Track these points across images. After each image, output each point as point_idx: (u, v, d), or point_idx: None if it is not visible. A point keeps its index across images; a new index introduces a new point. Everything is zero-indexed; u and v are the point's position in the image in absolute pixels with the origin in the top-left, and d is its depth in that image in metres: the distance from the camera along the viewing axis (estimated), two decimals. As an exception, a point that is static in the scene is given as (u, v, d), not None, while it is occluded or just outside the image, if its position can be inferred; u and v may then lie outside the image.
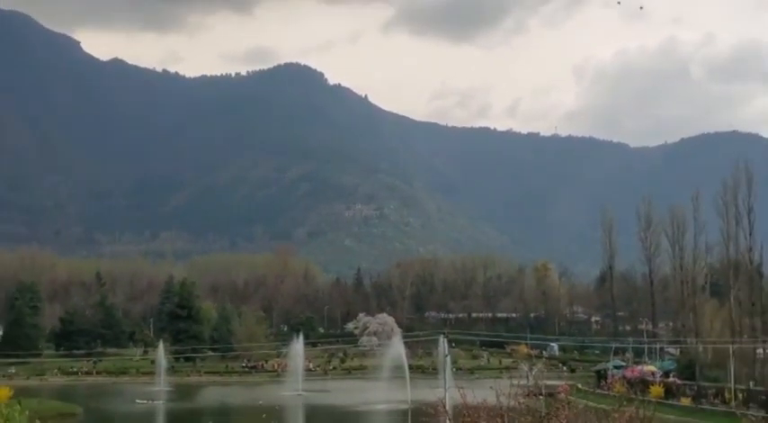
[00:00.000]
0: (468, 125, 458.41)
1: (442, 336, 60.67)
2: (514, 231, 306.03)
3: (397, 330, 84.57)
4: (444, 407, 10.88)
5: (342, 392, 62.27)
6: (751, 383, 51.54)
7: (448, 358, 52.41)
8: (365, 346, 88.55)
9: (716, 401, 49.11)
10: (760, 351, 59.85)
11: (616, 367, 64.41)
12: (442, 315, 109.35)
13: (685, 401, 50.10)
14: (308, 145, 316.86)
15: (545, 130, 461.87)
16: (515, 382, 10.76)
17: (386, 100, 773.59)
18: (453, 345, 76.05)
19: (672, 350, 72.69)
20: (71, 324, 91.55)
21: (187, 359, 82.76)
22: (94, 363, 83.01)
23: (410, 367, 61.98)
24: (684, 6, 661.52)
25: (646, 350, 71.15)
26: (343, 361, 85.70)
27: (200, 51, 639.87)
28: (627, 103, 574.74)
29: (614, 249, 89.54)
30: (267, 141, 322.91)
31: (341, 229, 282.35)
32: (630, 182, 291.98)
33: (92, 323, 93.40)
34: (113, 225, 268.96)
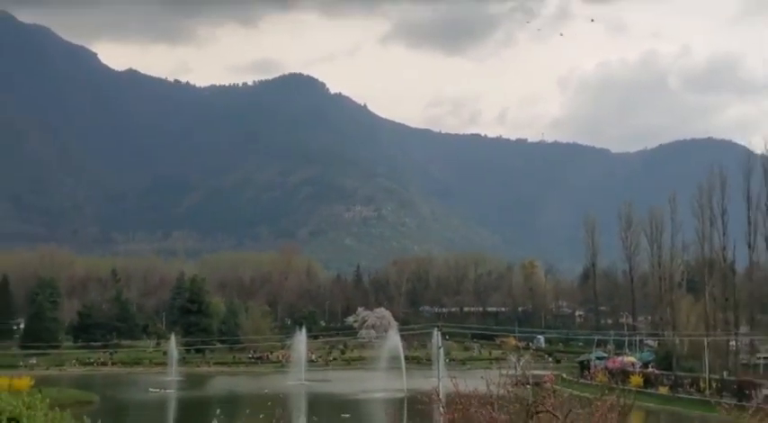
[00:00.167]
0: (461, 132, 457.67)
1: (435, 329, 60.62)
2: (504, 231, 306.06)
3: (394, 324, 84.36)
4: (438, 395, 10.86)
5: (342, 382, 62.15)
6: (724, 373, 51.63)
7: (441, 350, 52.40)
8: (364, 339, 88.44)
9: (691, 390, 49.18)
10: (733, 343, 59.97)
11: (598, 358, 64.40)
12: (436, 309, 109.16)
13: (663, 390, 50.16)
14: (311, 150, 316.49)
15: (532, 137, 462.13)
16: (504, 372, 10.75)
17: (384, 108, 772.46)
18: (446, 337, 76.00)
19: (650, 342, 72.80)
20: (88, 318, 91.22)
21: (197, 351, 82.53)
22: (110, 354, 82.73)
23: (406, 358, 61.90)
24: (663, 21, 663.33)
25: (626, 342, 71.22)
26: (343, 352, 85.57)
27: (209, 62, 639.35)
28: (609, 111, 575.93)
29: (597, 248, 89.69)
30: (272, 147, 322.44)
31: (341, 229, 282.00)
32: (612, 185, 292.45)
33: (108, 317, 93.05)
34: (128, 225, 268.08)
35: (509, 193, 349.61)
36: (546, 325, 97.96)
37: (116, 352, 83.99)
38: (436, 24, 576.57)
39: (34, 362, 75.67)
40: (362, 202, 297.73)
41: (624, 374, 52.50)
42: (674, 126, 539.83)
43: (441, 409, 10.07)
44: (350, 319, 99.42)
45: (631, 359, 61.47)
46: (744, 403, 34.63)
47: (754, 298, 64.77)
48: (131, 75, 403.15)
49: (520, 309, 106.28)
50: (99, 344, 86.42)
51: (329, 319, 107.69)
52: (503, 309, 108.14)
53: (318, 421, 11.99)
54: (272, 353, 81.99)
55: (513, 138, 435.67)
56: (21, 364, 73.17)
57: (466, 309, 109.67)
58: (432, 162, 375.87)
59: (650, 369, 57.42)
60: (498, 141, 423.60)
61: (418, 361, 69.26)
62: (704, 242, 62.15)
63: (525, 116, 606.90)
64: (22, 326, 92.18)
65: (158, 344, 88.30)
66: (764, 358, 60.58)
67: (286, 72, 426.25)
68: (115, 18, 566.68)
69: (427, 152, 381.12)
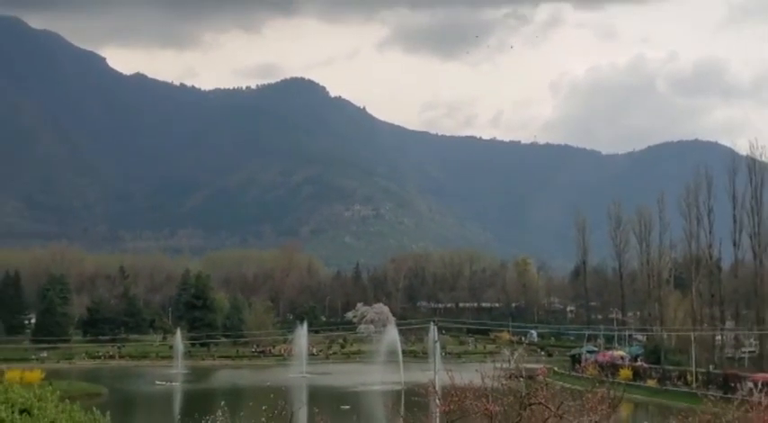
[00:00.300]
0: (456, 134, 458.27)
1: (432, 323, 60.69)
2: (498, 229, 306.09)
3: (392, 319, 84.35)
4: (434, 388, 10.86)
5: (342, 374, 62.14)
6: (710, 367, 51.74)
7: (437, 344, 52.46)
8: (363, 333, 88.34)
9: (679, 383, 49.28)
10: (719, 338, 60.11)
11: (589, 352, 64.50)
12: (432, 305, 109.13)
13: (651, 383, 50.24)
14: (312, 151, 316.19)
15: (525, 139, 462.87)
16: (498, 365, 10.74)
17: (382, 111, 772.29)
18: (443, 332, 76.04)
19: (639, 337, 72.85)
20: (97, 313, 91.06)
21: (202, 345, 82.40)
22: (118, 348, 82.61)
23: (403, 352, 62.00)
24: (651, 27, 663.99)
25: (616, 337, 71.27)
26: (342, 346, 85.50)
27: (214, 67, 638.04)
28: (599, 114, 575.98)
29: (587, 246, 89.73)
30: (274, 148, 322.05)
31: (341, 227, 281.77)
32: (602, 185, 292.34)
33: (116, 312, 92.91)
34: (135, 223, 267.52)
35: (503, 193, 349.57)
36: (538, 320, 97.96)
37: (124, 346, 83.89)
38: (432, 30, 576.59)
39: (45, 355, 75.58)
40: (361, 202, 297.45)
41: (614, 368, 52.58)
42: (661, 128, 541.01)
43: (437, 401, 10.07)
44: (349, 315, 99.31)
45: (621, 353, 61.54)
46: (729, 396, 34.74)
47: (740, 294, 64.92)
48: (139, 79, 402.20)
49: (513, 304, 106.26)
50: (107, 338, 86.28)
51: (329, 314, 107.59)
52: (497, 304, 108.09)
53: (319, 413, 11.96)
54: (274, 347, 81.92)
55: (506, 139, 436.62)
56: (32, 357, 73.06)
57: (461, 304, 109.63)
58: (428, 163, 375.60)
59: (639, 363, 57.51)
60: (492, 143, 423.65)
61: (415, 355, 69.30)
62: (691, 240, 62.32)
63: (518, 119, 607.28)
64: (33, 320, 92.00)
65: (164, 338, 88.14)
66: (749, 352, 60.75)
67: (288, 76, 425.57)
68: (124, 24, 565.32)
69: (424, 153, 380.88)
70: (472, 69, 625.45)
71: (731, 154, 66.36)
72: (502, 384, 9.86)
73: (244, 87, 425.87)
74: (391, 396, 40.39)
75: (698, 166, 63.26)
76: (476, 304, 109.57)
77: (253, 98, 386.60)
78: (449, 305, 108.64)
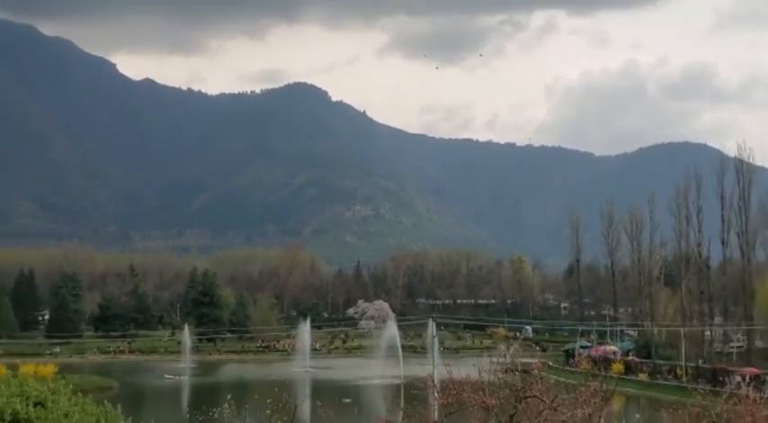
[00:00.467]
0: (454, 137, 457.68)
1: (430, 319, 60.61)
2: (494, 229, 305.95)
3: (392, 315, 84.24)
4: (433, 381, 10.86)
5: (343, 369, 62.11)
6: (699, 361, 51.72)
7: (436, 339, 52.41)
8: (364, 329, 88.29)
9: (669, 377, 49.27)
10: (707, 333, 60.08)
11: (582, 347, 64.46)
12: (431, 302, 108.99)
13: (642, 377, 50.23)
14: (314, 154, 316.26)
15: (520, 141, 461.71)
16: (494, 360, 10.75)
17: (382, 114, 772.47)
18: (441, 328, 75.79)
19: (631, 332, 72.83)
20: (108, 309, 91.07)
21: (209, 340, 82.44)
22: (128, 343, 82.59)
23: (403, 347, 61.98)
24: (642, 33, 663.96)
25: (608, 332, 71.22)
26: (344, 341, 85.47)
27: (220, 72, 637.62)
28: (592, 117, 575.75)
29: (580, 245, 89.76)
30: (278, 151, 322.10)
31: (342, 227, 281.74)
32: (594, 186, 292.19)
33: (126, 309, 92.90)
34: (145, 224, 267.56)
35: (499, 194, 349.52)
36: (533, 316, 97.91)
37: (134, 341, 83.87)
38: (430, 37, 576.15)
39: (58, 350, 75.62)
40: (362, 202, 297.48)
41: (606, 362, 52.54)
42: (652, 131, 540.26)
43: (435, 394, 10.07)
44: (351, 311, 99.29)
45: (613, 348, 61.51)
46: (718, 389, 34.72)
47: (728, 291, 64.90)
48: (148, 84, 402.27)
49: (509, 301, 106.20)
50: (118, 334, 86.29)
51: (331, 310, 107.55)
52: (493, 301, 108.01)
53: (322, 405, 11.95)
54: (278, 342, 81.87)
55: (502, 142, 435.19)
56: (46, 352, 73.08)
57: (459, 301, 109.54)
58: (427, 165, 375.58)
59: (630, 357, 57.48)
60: (489, 145, 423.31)
61: (414, 350, 69.26)
62: (681, 239, 62.31)
63: (514, 122, 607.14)
64: (46, 317, 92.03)
65: (173, 334, 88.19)
66: (737, 347, 60.71)
67: (291, 81, 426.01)
68: (133, 31, 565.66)
69: (422, 155, 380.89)
70: (469, 74, 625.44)
71: (720, 156, 66.38)
72: (498, 378, 9.86)
73: (249, 92, 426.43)
74: (391, 389, 40.35)
75: (687, 168, 63.29)
76: (473, 301, 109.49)
77: (257, 102, 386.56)
78: (447, 302, 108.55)
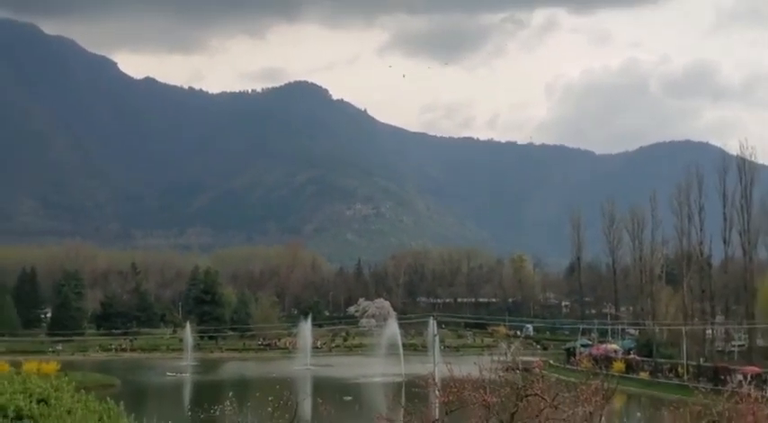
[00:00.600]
0: (455, 135, 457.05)
1: (431, 318, 60.67)
2: (495, 227, 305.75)
3: (393, 313, 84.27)
4: (434, 379, 10.87)
5: (344, 367, 62.19)
6: (701, 360, 51.71)
7: (436, 337, 52.42)
8: (365, 327, 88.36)
9: (670, 375, 49.26)
10: (709, 332, 60.01)
11: (583, 346, 64.45)
12: (432, 300, 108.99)
13: (644, 375, 50.23)
14: (315, 152, 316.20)
15: (521, 140, 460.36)
16: (495, 358, 10.75)
17: (382, 113, 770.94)
18: (442, 326, 75.87)
19: (632, 331, 72.76)
20: (110, 307, 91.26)
21: (211, 338, 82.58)
22: (130, 341, 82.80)
23: (404, 345, 61.99)
24: (643, 31, 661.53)
25: (609, 331, 71.15)
26: (345, 340, 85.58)
27: (220, 71, 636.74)
28: (592, 115, 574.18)
29: (582, 243, 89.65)
30: (279, 150, 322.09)
31: (343, 225, 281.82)
32: (595, 184, 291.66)
33: (128, 306, 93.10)
34: (146, 222, 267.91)
35: (499, 192, 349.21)
36: (534, 314, 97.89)
37: (136, 339, 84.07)
38: (431, 35, 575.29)
39: (60, 348, 75.80)
40: (363, 201, 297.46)
41: (607, 360, 52.53)
42: (653, 129, 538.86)
43: (436, 392, 10.07)
44: (351, 309, 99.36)
45: (614, 346, 61.47)
46: (719, 388, 34.68)
47: (729, 289, 64.82)
48: (149, 83, 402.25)
49: (510, 299, 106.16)
50: (120, 331, 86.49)
51: (332, 308, 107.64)
52: (494, 299, 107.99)
53: (323, 403, 11.97)
54: (279, 340, 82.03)
55: (503, 140, 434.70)
56: (48, 349, 73.27)
57: (459, 299, 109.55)
58: (427, 163, 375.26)
59: (632, 356, 57.46)
60: (489, 144, 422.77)
61: (415, 348, 69.22)
62: (682, 237, 62.21)
63: (515, 120, 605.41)
64: (49, 315, 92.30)
65: (175, 331, 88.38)
66: (739, 346, 60.65)
67: (291, 80, 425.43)
68: (134, 30, 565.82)
69: (423, 154, 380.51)
70: (470, 73, 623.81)
71: (721, 154, 66.22)
72: (499, 376, 9.87)
73: (249, 91, 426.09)
74: (392, 387, 40.39)
75: (689, 166, 63.14)
76: (473, 299, 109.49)
77: (258, 101, 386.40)
78: (447, 300, 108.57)
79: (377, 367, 53.66)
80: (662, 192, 68.39)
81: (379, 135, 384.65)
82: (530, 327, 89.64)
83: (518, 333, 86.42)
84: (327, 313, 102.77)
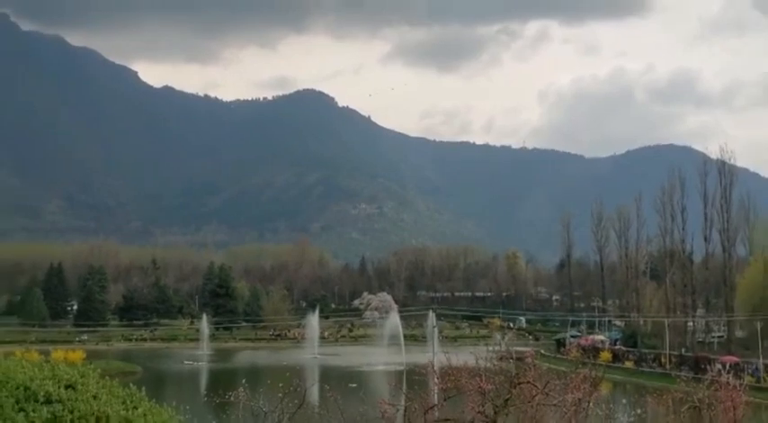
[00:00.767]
0: (452, 139, 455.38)
1: (430, 311, 60.73)
2: (490, 226, 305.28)
3: (394, 306, 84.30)
4: (433, 368, 10.89)
5: (350, 356, 62.15)
6: (682, 350, 51.58)
7: (435, 329, 52.40)
8: (368, 319, 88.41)
9: (654, 365, 49.14)
10: (690, 324, 59.84)
11: (572, 337, 64.31)
12: (431, 294, 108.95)
13: (629, 364, 50.10)
14: (322, 156, 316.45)
15: (515, 144, 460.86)
16: (490, 348, 10.76)
17: (385, 119, 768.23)
18: (440, 318, 75.86)
19: (618, 323, 72.56)
20: (132, 300, 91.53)
21: (225, 329, 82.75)
22: (151, 331, 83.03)
23: (404, 336, 62.00)
24: (629, 42, 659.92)
25: (597, 323, 71.01)
26: (350, 330, 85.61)
27: (234, 79, 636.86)
28: (582, 121, 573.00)
29: (571, 241, 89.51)
30: (289, 153, 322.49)
31: (348, 224, 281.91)
32: (585, 186, 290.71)
33: (148, 299, 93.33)
34: (165, 221, 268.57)
35: (494, 193, 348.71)
36: (526, 308, 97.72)
37: (155, 329, 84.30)
38: (430, 46, 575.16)
39: (85, 338, 76.06)
40: (366, 201, 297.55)
41: (595, 351, 52.39)
42: (639, 134, 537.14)
43: (435, 379, 10.09)
44: (356, 302, 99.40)
45: (601, 337, 61.31)
46: (700, 376, 34.50)
47: (710, 284, 64.62)
48: (167, 91, 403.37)
49: (504, 294, 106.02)
50: (141, 322, 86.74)
51: (338, 301, 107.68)
52: (489, 293, 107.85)
53: (329, 389, 12.01)
54: (289, 331, 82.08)
55: (498, 144, 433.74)
56: (75, 339, 73.54)
57: (457, 293, 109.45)
58: (427, 166, 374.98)
59: (618, 346, 57.30)
60: (485, 147, 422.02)
61: (415, 338, 69.18)
62: (666, 236, 62.07)
63: (509, 125, 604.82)
64: (75, 307, 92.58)
65: (192, 323, 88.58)
66: (718, 337, 60.45)
67: (300, 88, 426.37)
68: (153, 41, 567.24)
69: (423, 157, 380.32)
70: (467, 81, 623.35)
71: (703, 157, 65.88)
72: (494, 365, 9.89)
73: (261, 98, 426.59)
74: (394, 375, 40.41)
75: (672, 169, 63.01)
76: (470, 293, 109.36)
77: (269, 108, 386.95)
78: (445, 294, 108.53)
79: (380, 356, 53.68)
80: (647, 193, 68.20)
81: (381, 139, 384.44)
82: (522, 319, 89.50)
83: (511, 325, 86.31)
84: (333, 306, 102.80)
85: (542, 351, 57.17)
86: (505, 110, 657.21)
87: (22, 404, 4.61)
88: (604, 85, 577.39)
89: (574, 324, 72.05)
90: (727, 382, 9.79)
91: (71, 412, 4.61)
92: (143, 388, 5.79)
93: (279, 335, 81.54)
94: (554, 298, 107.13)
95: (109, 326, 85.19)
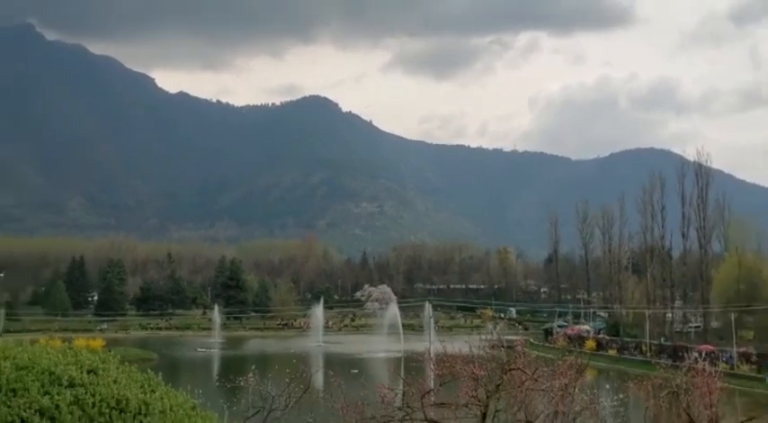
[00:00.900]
0: (449, 143, 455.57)
1: (427, 302, 60.74)
2: (483, 223, 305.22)
3: (394, 298, 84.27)
4: (429, 355, 10.90)
5: (352, 344, 62.20)
6: (662, 339, 51.66)
7: (432, 319, 52.51)
8: (369, 310, 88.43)
9: (635, 353, 49.22)
10: (669, 315, 59.92)
11: (560, 326, 64.37)
12: (428, 286, 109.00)
13: (612, 353, 50.18)
14: (326, 158, 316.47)
15: (507, 147, 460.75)
16: (483, 337, 10.77)
17: (386, 123, 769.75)
18: (436, 309, 75.91)
19: (602, 314, 72.61)
20: (148, 291, 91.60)
21: (236, 318, 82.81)
22: (166, 320, 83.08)
23: (403, 325, 62.09)
24: (614, 52, 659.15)
25: (582, 314, 71.05)
26: (352, 320, 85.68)
27: (245, 86, 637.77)
28: (569, 125, 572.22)
29: (558, 237, 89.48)
30: (296, 155, 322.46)
31: (351, 221, 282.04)
32: (571, 186, 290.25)
33: (164, 291, 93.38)
34: (180, 217, 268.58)
35: (488, 193, 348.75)
36: (517, 299, 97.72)
37: (171, 319, 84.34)
38: (428, 56, 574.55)
39: (105, 327, 76.14)
40: (368, 200, 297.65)
41: (580, 340, 52.47)
42: (622, 138, 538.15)
43: (432, 366, 10.10)
44: (358, 294, 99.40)
45: (586, 327, 61.36)
46: (678, 364, 34.55)
47: (687, 278, 64.64)
48: (183, 96, 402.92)
49: (496, 286, 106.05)
50: (157, 312, 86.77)
51: (341, 293, 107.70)
52: (482, 286, 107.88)
53: (333, 375, 12.06)
54: (295, 320, 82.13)
55: (491, 147, 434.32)
56: (96, 328, 73.61)
57: (452, 286, 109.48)
58: (425, 167, 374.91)
59: (601, 335, 57.36)
60: (479, 150, 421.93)
61: (413, 328, 69.13)
62: (646, 233, 62.12)
63: (501, 130, 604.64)
64: (95, 298, 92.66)
65: (204, 313, 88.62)
66: (695, 327, 60.52)
67: (306, 94, 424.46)
68: (170, 50, 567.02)
69: (421, 159, 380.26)
70: (462, 88, 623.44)
71: (681, 160, 65.87)
72: (486, 353, 9.89)
73: (270, 104, 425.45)
74: (393, 362, 40.49)
75: (653, 171, 63.07)
76: (464, 286, 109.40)
77: (277, 113, 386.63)
78: (441, 287, 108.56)
79: (380, 344, 53.75)
80: (629, 193, 68.25)
81: (382, 142, 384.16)
82: (513, 310, 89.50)
83: (502, 315, 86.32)
84: (337, 297, 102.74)
85: (531, 340, 57.25)
86: (498, 115, 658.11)
87: (47, 388, 4.62)
88: (590, 93, 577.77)
89: (561, 315, 72.08)
90: (704, 369, 9.80)
91: (93, 396, 4.62)
92: (160, 373, 5.80)
93: (286, 324, 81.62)
94: (542, 290, 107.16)
95: (127, 316, 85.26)
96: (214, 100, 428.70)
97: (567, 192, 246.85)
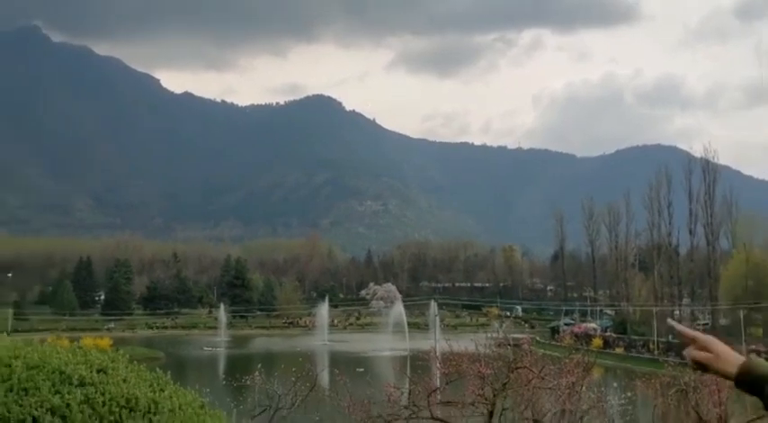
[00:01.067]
0: (452, 140, 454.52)
1: (432, 300, 60.68)
2: (488, 221, 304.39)
3: (399, 296, 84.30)
4: (435, 353, 10.90)
5: (357, 342, 62.22)
6: (669, 337, 51.21)
7: (437, 317, 52.43)
8: (374, 308, 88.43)
9: (642, 351, 48.96)
10: (677, 313, 59.50)
11: (566, 324, 64.15)
12: (433, 285, 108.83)
13: (619, 351, 49.93)
14: (330, 157, 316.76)
15: (511, 144, 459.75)
16: (489, 335, 10.75)
17: (389, 122, 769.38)
18: (442, 307, 75.63)
19: (609, 311, 72.25)
20: (155, 291, 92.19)
21: (241, 317, 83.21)
22: (172, 319, 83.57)
23: (408, 324, 62.05)
24: (619, 49, 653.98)
25: (588, 311, 70.72)
26: (358, 319, 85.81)
27: (249, 86, 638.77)
28: (574, 122, 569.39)
29: (564, 235, 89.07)
30: (300, 154, 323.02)
31: (355, 220, 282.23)
32: (577, 184, 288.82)
33: (170, 290, 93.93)
34: (186, 217, 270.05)
35: (492, 190, 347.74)
36: (523, 297, 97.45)
37: (177, 318, 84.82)
38: (431, 54, 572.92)
39: (112, 326, 76.73)
40: (372, 199, 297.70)
41: (587, 337, 52.20)
42: (628, 134, 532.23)
43: (437, 364, 10.10)
44: (363, 292, 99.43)
45: (593, 325, 61.13)
46: (685, 361, 34.33)
47: (695, 275, 64.16)
48: (187, 97, 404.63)
49: (501, 284, 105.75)
50: (163, 311, 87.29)
51: (346, 292, 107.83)
52: (487, 284, 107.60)
53: (339, 373, 12.11)
54: (300, 319, 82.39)
55: (495, 145, 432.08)
56: (103, 327, 74.19)
57: (457, 284, 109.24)
58: (428, 165, 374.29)
59: (608, 333, 57.10)
60: (483, 148, 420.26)
61: (418, 326, 69.12)
62: (653, 230, 61.73)
63: (505, 127, 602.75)
64: (102, 297, 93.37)
65: (210, 311, 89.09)
66: (703, 325, 60.02)
67: (310, 93, 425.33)
68: (174, 50, 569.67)
69: (425, 157, 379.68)
70: (466, 86, 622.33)
71: (688, 156, 65.28)
72: (492, 351, 9.88)
73: (273, 103, 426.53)
74: (399, 360, 40.48)
75: (659, 167, 62.61)
76: (469, 284, 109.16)
77: (281, 112, 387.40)
78: (446, 285, 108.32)
79: (385, 343, 53.81)
80: (635, 190, 67.79)
81: (385, 141, 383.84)
82: (519, 308, 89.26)
83: (509, 314, 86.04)
84: (342, 296, 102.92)
85: (538, 338, 56.97)
86: (502, 113, 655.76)
87: (57, 387, 4.66)
88: (595, 90, 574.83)
89: (567, 313, 71.83)
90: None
91: (103, 394, 4.66)
92: (169, 372, 5.85)
93: (291, 323, 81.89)
94: (548, 288, 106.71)
95: (133, 315, 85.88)
96: (218, 100, 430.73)
97: (573, 189, 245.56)
